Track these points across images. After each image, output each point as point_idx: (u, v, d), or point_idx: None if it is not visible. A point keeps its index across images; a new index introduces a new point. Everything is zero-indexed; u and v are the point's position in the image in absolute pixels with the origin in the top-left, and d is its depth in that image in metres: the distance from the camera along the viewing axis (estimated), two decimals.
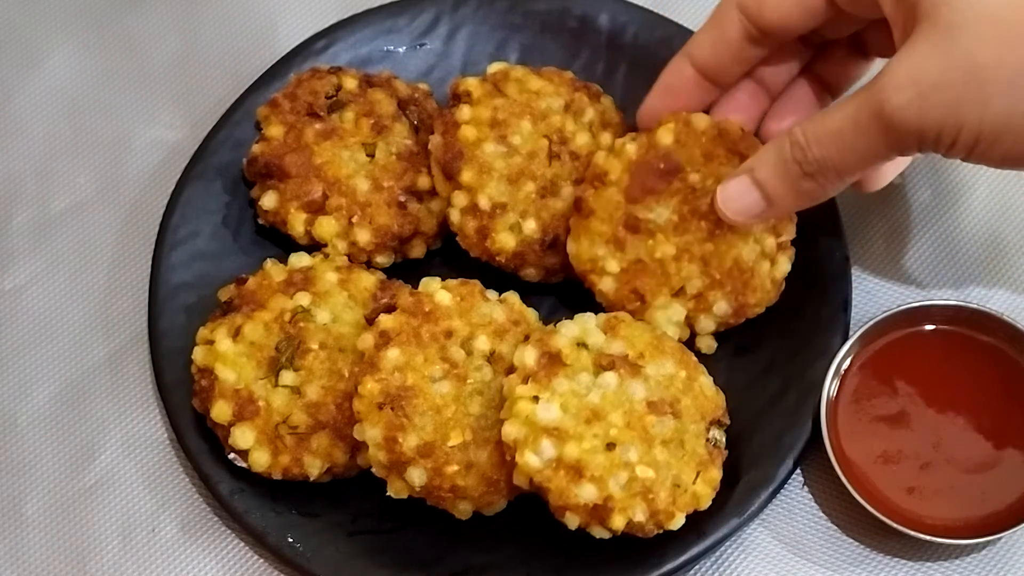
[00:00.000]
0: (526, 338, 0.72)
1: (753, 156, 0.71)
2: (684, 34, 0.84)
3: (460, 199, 0.77)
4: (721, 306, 0.75)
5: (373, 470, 0.71)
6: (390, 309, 0.73)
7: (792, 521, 0.76)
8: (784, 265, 0.76)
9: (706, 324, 0.76)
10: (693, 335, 0.77)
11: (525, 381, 0.69)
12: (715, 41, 0.73)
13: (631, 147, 0.75)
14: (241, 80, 0.85)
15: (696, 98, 0.75)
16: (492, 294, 0.75)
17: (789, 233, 0.76)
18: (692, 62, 0.74)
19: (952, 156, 0.64)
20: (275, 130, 0.80)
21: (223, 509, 0.75)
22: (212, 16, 0.92)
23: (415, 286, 0.75)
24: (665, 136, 0.74)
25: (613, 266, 0.75)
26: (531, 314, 0.76)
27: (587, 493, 0.67)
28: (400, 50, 0.86)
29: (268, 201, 0.80)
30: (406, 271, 0.80)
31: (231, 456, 0.74)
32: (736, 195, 0.70)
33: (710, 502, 0.70)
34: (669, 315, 0.75)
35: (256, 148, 0.81)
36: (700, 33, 0.74)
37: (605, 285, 0.75)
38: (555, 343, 0.70)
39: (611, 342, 0.72)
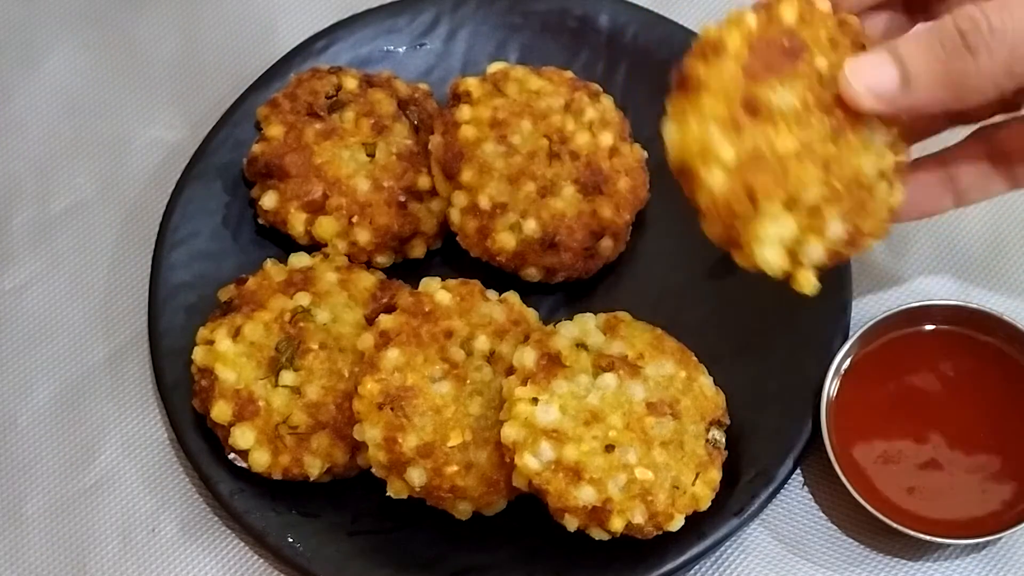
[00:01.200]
0: (526, 339, 0.72)
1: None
2: (684, 34, 0.85)
3: (460, 199, 0.77)
4: (836, 228, 0.63)
5: (373, 470, 0.71)
6: (390, 309, 0.73)
7: (792, 521, 0.76)
8: (899, 194, 0.66)
9: (814, 251, 0.63)
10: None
11: (524, 382, 0.69)
12: None
13: (750, 18, 0.63)
14: (241, 80, 0.85)
15: None
16: (492, 294, 0.76)
17: (906, 155, 0.66)
18: None
19: None
20: (275, 130, 0.80)
21: (223, 509, 0.75)
22: (212, 16, 0.92)
23: (415, 286, 0.75)
24: (788, 12, 0.64)
25: (728, 153, 0.61)
26: (531, 314, 0.76)
27: (586, 495, 0.67)
28: (400, 50, 0.86)
29: (268, 201, 0.80)
30: (406, 271, 0.80)
31: (231, 456, 0.74)
32: (869, 67, 0.61)
33: (709, 503, 0.70)
34: (778, 230, 0.62)
35: (256, 148, 0.81)
36: None
37: (714, 179, 0.61)
38: (554, 344, 0.70)
39: (611, 342, 0.72)
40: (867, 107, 0.62)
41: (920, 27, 0.63)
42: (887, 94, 0.61)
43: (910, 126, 0.66)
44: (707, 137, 0.61)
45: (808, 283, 0.64)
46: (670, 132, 0.63)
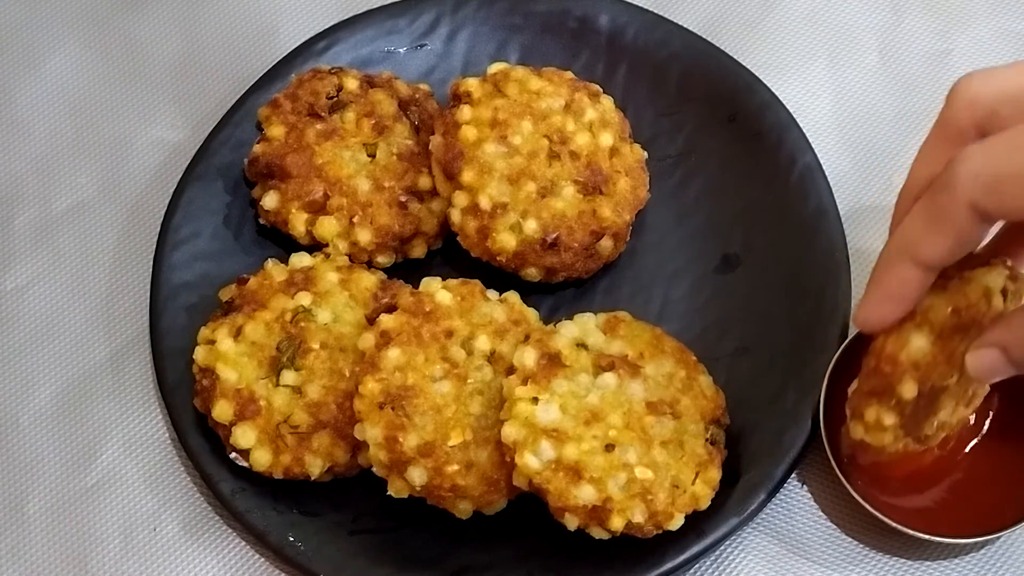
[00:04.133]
0: (526, 338, 0.72)
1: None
2: (684, 34, 0.85)
3: (461, 199, 0.77)
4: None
5: (374, 469, 0.71)
6: (391, 309, 0.73)
7: (792, 521, 0.76)
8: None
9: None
10: None
11: (524, 382, 0.69)
12: (950, 245, 0.61)
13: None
14: (242, 80, 0.86)
15: (923, 291, 0.65)
16: (492, 294, 0.76)
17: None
18: (921, 265, 0.62)
19: None
20: (276, 130, 0.81)
21: (224, 508, 0.75)
22: (213, 17, 0.92)
23: (416, 286, 0.75)
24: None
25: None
26: (531, 314, 0.76)
27: (586, 494, 0.67)
28: (401, 51, 0.86)
29: (269, 201, 0.80)
30: (407, 271, 0.80)
31: (232, 455, 0.74)
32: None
33: (709, 502, 0.71)
34: None
35: (257, 148, 0.81)
36: (925, 235, 0.61)
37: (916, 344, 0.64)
38: (555, 344, 0.71)
39: (611, 342, 0.72)
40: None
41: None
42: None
43: None
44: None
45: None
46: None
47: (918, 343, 0.63)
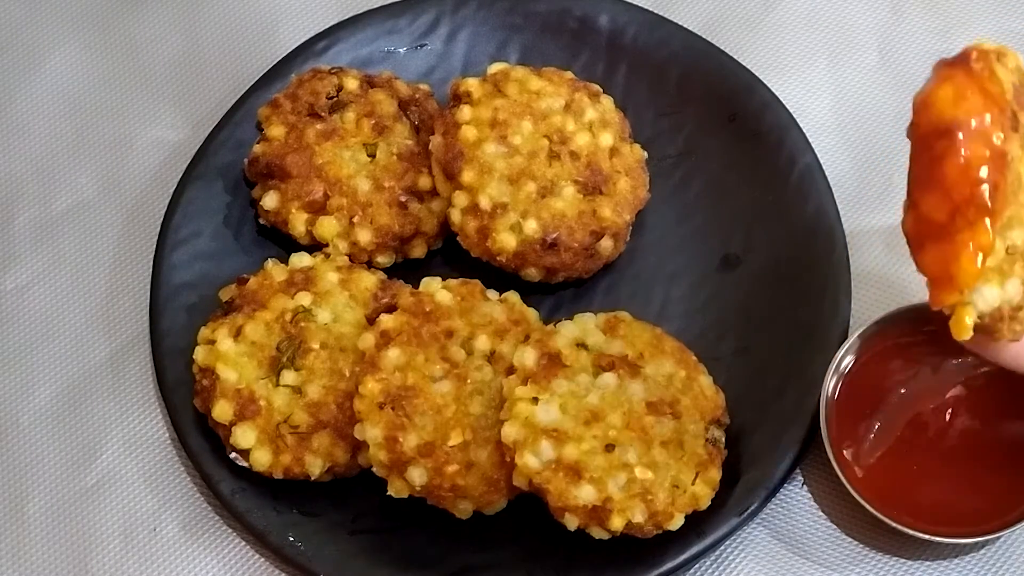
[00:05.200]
0: (526, 338, 0.72)
1: None
2: (684, 34, 0.85)
3: (461, 199, 0.77)
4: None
5: (374, 469, 0.71)
6: (391, 309, 0.73)
7: (792, 520, 0.76)
8: None
9: (1012, 289, 0.59)
10: None
11: (525, 382, 0.69)
12: None
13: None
14: (242, 80, 0.86)
15: None
16: (492, 294, 0.76)
17: None
18: None
19: None
20: (276, 130, 0.81)
21: (224, 508, 0.75)
22: (213, 17, 0.92)
23: (416, 286, 0.75)
24: None
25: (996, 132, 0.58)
26: (531, 314, 0.76)
27: (586, 494, 0.67)
28: (401, 51, 0.86)
29: (269, 201, 0.80)
30: (407, 271, 0.80)
31: (232, 455, 0.74)
32: None
33: (709, 502, 0.71)
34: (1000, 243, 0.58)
35: (257, 148, 0.81)
36: None
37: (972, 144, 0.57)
38: (555, 344, 0.71)
39: (611, 342, 0.72)
40: None
41: None
42: None
43: None
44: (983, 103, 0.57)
45: (964, 326, 0.59)
46: (939, 92, 0.58)
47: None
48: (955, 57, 0.57)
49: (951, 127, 0.57)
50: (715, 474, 0.71)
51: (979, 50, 0.57)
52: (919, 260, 0.58)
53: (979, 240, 0.57)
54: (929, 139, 0.58)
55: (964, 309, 0.59)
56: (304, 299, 0.75)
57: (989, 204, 0.56)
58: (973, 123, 0.56)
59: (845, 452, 0.73)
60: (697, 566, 0.74)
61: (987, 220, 0.56)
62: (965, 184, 0.56)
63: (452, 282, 0.74)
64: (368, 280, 0.77)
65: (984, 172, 0.56)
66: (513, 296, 0.76)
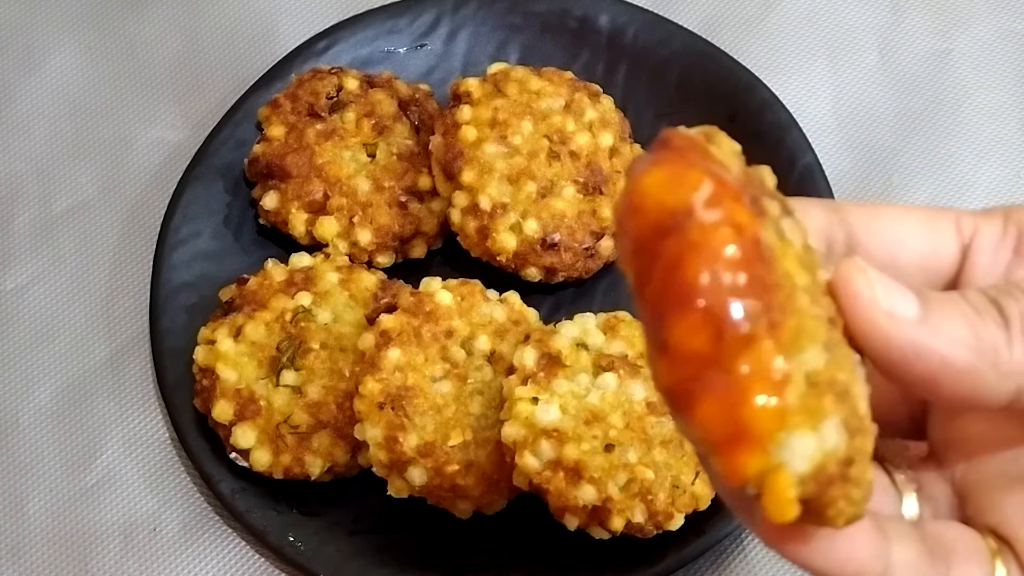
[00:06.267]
0: (526, 338, 0.72)
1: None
2: (684, 34, 0.85)
3: (461, 199, 0.77)
4: (832, 435, 0.39)
5: (374, 469, 0.71)
6: (391, 309, 0.73)
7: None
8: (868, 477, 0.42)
9: (801, 448, 0.38)
10: None
11: (524, 382, 0.69)
12: None
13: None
14: (242, 80, 0.86)
15: None
16: (492, 294, 0.76)
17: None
18: None
19: None
20: (276, 130, 0.81)
21: (224, 508, 0.75)
22: (213, 17, 0.92)
23: (416, 286, 0.75)
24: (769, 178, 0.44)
25: (741, 214, 0.40)
26: (531, 314, 0.76)
27: (586, 494, 0.67)
28: (401, 51, 0.86)
29: (269, 201, 0.80)
30: (407, 271, 0.80)
31: (232, 455, 0.74)
32: (884, 282, 0.42)
33: (710, 502, 0.71)
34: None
35: (257, 148, 0.81)
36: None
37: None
38: (555, 344, 0.71)
39: (611, 342, 0.72)
40: (874, 318, 0.41)
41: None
42: (902, 316, 0.42)
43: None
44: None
45: (787, 500, 0.38)
46: (650, 180, 0.39)
47: None
48: (654, 143, 0.41)
49: (676, 216, 0.38)
50: None
51: (679, 133, 0.41)
52: (694, 421, 0.38)
53: (765, 364, 0.37)
54: (651, 244, 0.38)
55: (778, 476, 0.38)
56: (304, 299, 0.75)
57: (763, 308, 0.38)
58: (703, 201, 0.38)
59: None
60: (697, 566, 0.74)
61: (768, 333, 0.38)
62: (722, 286, 0.37)
63: (452, 282, 0.74)
64: (368, 280, 0.77)
65: (741, 262, 0.38)
66: (513, 296, 0.76)
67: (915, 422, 0.50)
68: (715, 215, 0.38)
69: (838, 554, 0.43)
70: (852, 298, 0.41)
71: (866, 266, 0.42)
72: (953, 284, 0.46)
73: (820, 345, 0.39)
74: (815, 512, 0.39)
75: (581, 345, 0.71)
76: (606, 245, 0.79)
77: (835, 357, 0.39)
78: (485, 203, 0.77)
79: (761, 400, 0.37)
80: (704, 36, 0.85)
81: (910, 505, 0.48)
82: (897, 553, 0.44)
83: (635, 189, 0.39)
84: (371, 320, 0.74)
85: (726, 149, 0.42)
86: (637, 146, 0.82)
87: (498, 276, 0.78)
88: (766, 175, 0.43)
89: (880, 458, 0.48)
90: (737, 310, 0.37)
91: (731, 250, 0.37)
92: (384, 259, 0.80)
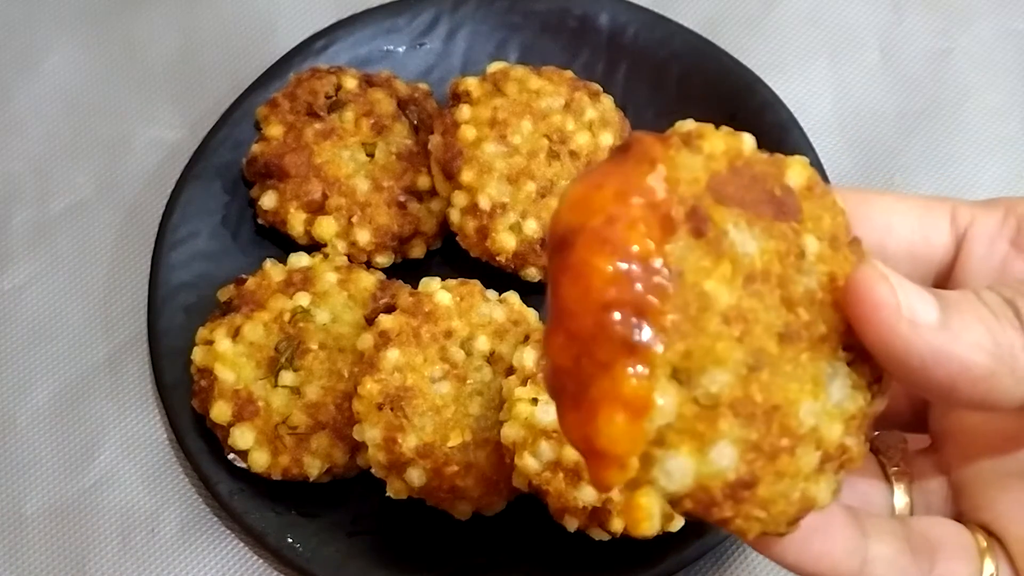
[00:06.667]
0: (525, 339, 0.72)
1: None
2: (684, 33, 0.85)
3: (460, 199, 0.77)
4: (722, 455, 0.40)
5: (373, 470, 0.71)
6: (390, 309, 0.73)
7: None
8: (826, 488, 0.42)
9: (675, 468, 0.40)
10: None
11: (524, 383, 0.69)
12: None
13: (748, 141, 0.45)
14: (241, 80, 0.85)
15: None
16: (492, 294, 0.75)
17: (864, 439, 0.43)
18: None
19: None
20: (275, 130, 0.80)
21: (223, 509, 0.75)
22: (211, 16, 0.92)
23: (415, 286, 0.75)
24: (795, 173, 0.44)
25: (643, 243, 0.40)
26: (531, 314, 0.76)
27: (586, 496, 0.67)
28: (400, 50, 0.86)
29: (268, 201, 0.80)
30: (406, 271, 0.80)
31: (230, 456, 0.74)
32: (905, 285, 0.41)
33: None
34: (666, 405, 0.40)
35: (256, 148, 0.81)
36: None
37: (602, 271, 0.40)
38: None
39: None
40: (895, 327, 0.41)
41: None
42: (923, 323, 0.41)
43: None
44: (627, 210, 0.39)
45: (642, 516, 0.40)
46: (573, 190, 0.40)
47: None
48: (616, 146, 0.42)
49: (571, 234, 0.39)
50: None
51: (640, 139, 0.41)
52: (562, 428, 0.40)
53: (620, 391, 0.38)
54: (551, 257, 0.40)
55: (637, 494, 0.39)
56: (303, 299, 0.75)
57: (630, 337, 0.38)
58: (596, 223, 0.38)
59: None
60: (697, 567, 0.74)
61: (630, 361, 0.38)
62: (587, 309, 0.38)
63: (451, 282, 0.74)
64: (367, 280, 0.77)
65: (616, 290, 0.38)
66: (513, 296, 0.76)
67: (917, 415, 0.51)
68: (601, 238, 0.38)
69: (811, 550, 0.43)
70: (872, 307, 0.41)
71: (887, 271, 0.41)
72: (946, 274, 0.47)
73: (733, 366, 0.39)
74: (718, 524, 0.40)
75: None
76: None
77: (769, 376, 0.40)
78: (484, 203, 0.76)
79: (612, 422, 0.38)
80: (704, 35, 0.85)
81: (900, 498, 0.49)
82: (876, 549, 0.44)
83: (560, 198, 0.40)
84: (370, 320, 0.73)
85: (711, 151, 0.42)
86: None
87: (498, 276, 0.78)
88: (789, 170, 0.43)
89: (875, 450, 0.49)
90: (597, 335, 0.38)
91: (603, 275, 0.38)
92: (383, 259, 0.80)
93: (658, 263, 0.39)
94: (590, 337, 0.38)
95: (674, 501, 0.40)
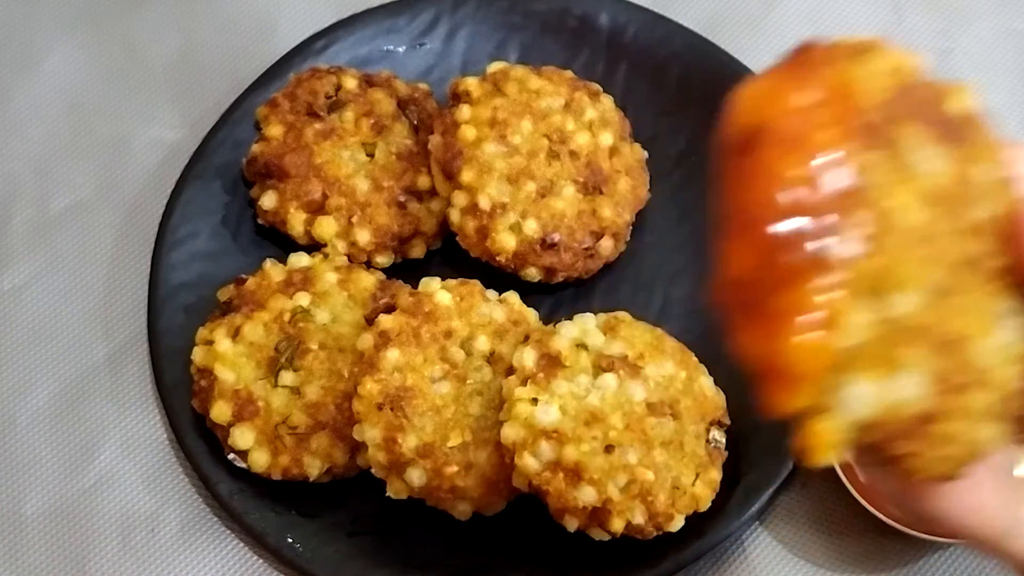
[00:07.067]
0: (526, 339, 0.72)
1: None
2: (684, 33, 0.85)
3: (460, 199, 0.77)
4: (910, 384, 0.38)
5: (373, 471, 0.71)
6: (390, 309, 0.73)
7: (792, 521, 0.75)
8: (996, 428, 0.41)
9: (862, 395, 0.38)
10: None
11: (524, 383, 0.69)
12: None
13: (915, 62, 0.42)
14: (241, 80, 0.85)
15: None
16: (492, 294, 0.75)
17: None
18: None
19: None
20: (275, 130, 0.80)
21: (223, 509, 0.75)
22: (212, 16, 0.92)
23: (415, 286, 0.75)
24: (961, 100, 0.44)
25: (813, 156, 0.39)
26: (531, 314, 0.76)
27: (586, 496, 0.67)
28: (400, 50, 0.86)
29: (268, 201, 0.80)
30: (406, 271, 0.80)
31: (230, 456, 0.74)
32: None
33: (710, 503, 0.70)
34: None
35: (256, 148, 0.81)
36: None
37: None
38: (554, 344, 0.70)
39: (611, 343, 0.72)
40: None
41: None
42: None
43: None
44: (807, 115, 0.37)
45: (822, 448, 0.38)
46: (749, 90, 0.39)
47: None
48: (789, 51, 0.38)
49: (755, 134, 0.36)
50: (716, 475, 0.71)
51: (818, 46, 0.39)
52: (735, 345, 0.37)
53: (809, 303, 0.35)
54: (731, 157, 0.38)
55: (819, 420, 0.37)
56: (303, 299, 0.75)
57: (821, 246, 0.34)
58: (790, 124, 0.35)
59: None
60: (697, 567, 0.74)
61: (821, 273, 0.34)
62: (773, 215, 0.35)
63: (451, 282, 0.74)
64: (367, 280, 0.77)
65: (806, 194, 0.34)
66: (513, 296, 0.76)
67: None
68: (796, 140, 0.35)
69: (965, 502, 0.41)
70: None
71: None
72: None
73: (918, 291, 0.36)
74: (888, 461, 0.37)
75: (581, 346, 0.71)
76: (606, 245, 0.79)
77: (952, 305, 0.37)
78: (484, 203, 0.76)
79: (798, 337, 0.35)
80: (704, 35, 0.85)
81: None
82: None
83: (735, 98, 0.37)
84: (370, 320, 0.73)
85: (881, 68, 0.39)
86: (637, 145, 0.82)
87: (498, 276, 0.78)
88: (956, 95, 0.40)
89: None
90: (791, 242, 0.34)
91: (795, 180, 0.34)
92: (383, 259, 0.80)
93: (848, 172, 0.35)
94: (777, 245, 0.35)
95: (852, 431, 0.36)
